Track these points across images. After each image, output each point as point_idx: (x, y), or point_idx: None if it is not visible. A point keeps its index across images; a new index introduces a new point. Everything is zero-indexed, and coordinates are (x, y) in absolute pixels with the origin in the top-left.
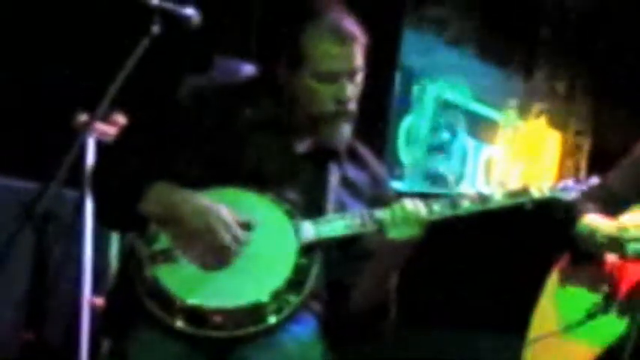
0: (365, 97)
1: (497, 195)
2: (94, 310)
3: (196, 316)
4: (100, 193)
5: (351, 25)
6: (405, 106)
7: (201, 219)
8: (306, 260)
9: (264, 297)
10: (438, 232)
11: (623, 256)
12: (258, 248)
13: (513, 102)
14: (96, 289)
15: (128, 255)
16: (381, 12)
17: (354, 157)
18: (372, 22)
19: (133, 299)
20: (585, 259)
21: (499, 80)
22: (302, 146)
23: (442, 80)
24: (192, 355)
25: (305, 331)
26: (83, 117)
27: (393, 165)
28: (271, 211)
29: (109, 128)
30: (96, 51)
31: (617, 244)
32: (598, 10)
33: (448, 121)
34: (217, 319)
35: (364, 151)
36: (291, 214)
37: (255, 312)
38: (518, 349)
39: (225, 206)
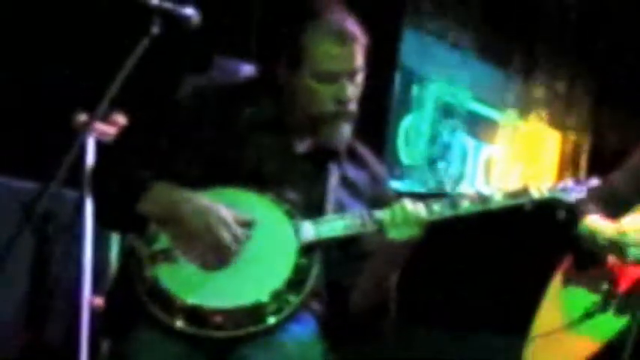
0: (365, 98)
1: (497, 195)
2: (94, 310)
3: (196, 316)
4: (100, 194)
5: (351, 26)
6: (405, 106)
7: (201, 219)
8: (306, 260)
9: (264, 297)
10: (438, 232)
11: (623, 260)
12: (258, 248)
13: (513, 102)
14: (96, 289)
15: (128, 255)
16: (381, 12)
17: (353, 156)
18: (372, 22)
19: (133, 299)
20: (588, 259)
21: (499, 80)
22: (302, 146)
23: (442, 80)
24: (192, 355)
25: (305, 331)
26: (83, 117)
27: (393, 165)
28: (271, 211)
29: (108, 128)
30: (96, 51)
31: (617, 247)
32: (598, 10)
33: (448, 121)
34: (217, 319)
35: (364, 151)
36: (291, 214)
37: (255, 312)
38: (518, 350)
39: (225, 206)
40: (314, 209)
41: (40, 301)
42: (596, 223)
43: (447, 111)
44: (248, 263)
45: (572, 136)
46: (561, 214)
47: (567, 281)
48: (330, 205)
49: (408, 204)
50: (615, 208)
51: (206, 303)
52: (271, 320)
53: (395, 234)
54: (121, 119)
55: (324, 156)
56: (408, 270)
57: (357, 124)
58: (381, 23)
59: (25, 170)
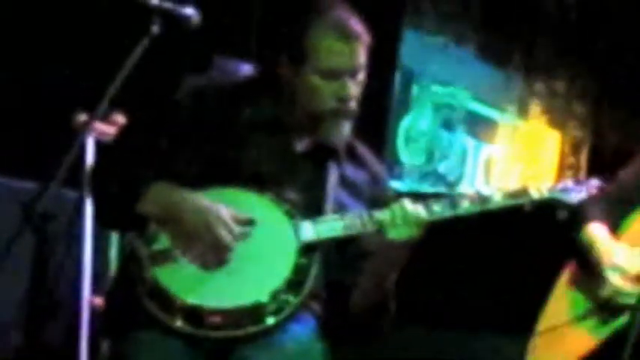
0: (365, 97)
1: (497, 195)
2: (93, 310)
3: (196, 316)
4: (100, 193)
5: (355, 24)
6: (405, 106)
7: (201, 219)
8: (306, 260)
9: (263, 297)
10: (438, 232)
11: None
12: (257, 248)
13: (513, 102)
14: (96, 289)
15: (128, 255)
16: (381, 12)
17: (353, 156)
18: (372, 22)
19: (133, 299)
20: (588, 261)
21: (499, 80)
22: (301, 145)
23: (442, 80)
24: (192, 355)
25: (305, 331)
26: (83, 117)
27: (393, 165)
28: (271, 211)
29: (108, 128)
30: (96, 51)
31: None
32: (598, 10)
33: (447, 121)
34: (217, 319)
35: (363, 150)
36: (290, 214)
37: (254, 312)
38: (518, 350)
39: (225, 206)
40: (313, 209)
41: (40, 301)
42: (594, 233)
43: (446, 111)
44: (248, 263)
45: (572, 136)
46: (561, 215)
47: (572, 280)
48: (329, 204)
49: (408, 204)
50: (624, 206)
51: (206, 303)
52: (271, 320)
53: (395, 234)
54: (120, 119)
55: (323, 155)
56: (408, 270)
57: (357, 123)
58: (381, 23)
59: (25, 170)
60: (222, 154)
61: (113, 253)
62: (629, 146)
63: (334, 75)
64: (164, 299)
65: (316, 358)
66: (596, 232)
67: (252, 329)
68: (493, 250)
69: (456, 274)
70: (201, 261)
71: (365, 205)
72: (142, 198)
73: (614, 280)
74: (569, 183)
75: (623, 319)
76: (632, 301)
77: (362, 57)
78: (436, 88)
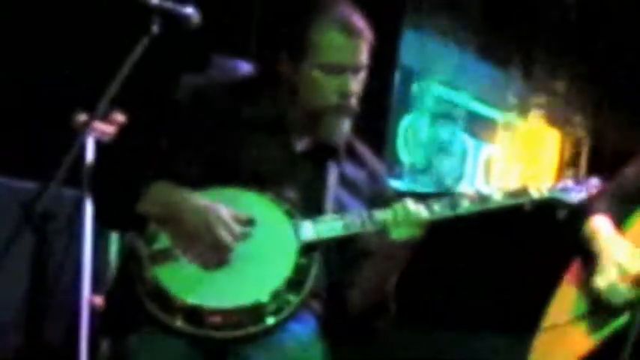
0: (365, 97)
1: (497, 195)
2: (93, 309)
3: (196, 316)
4: (99, 193)
5: (359, 21)
6: (405, 106)
7: (201, 218)
8: (306, 260)
9: (264, 297)
10: (438, 232)
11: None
12: (257, 248)
13: (513, 101)
14: (95, 289)
15: (128, 255)
16: (381, 11)
17: (352, 154)
18: (372, 21)
19: (133, 299)
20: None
21: (499, 80)
22: (301, 145)
23: (442, 80)
24: (192, 354)
25: (305, 331)
26: (82, 117)
27: (393, 164)
28: (271, 211)
29: (108, 127)
30: (95, 51)
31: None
32: (598, 10)
33: (447, 121)
34: (217, 319)
35: (362, 149)
36: (290, 214)
37: (254, 312)
38: (518, 350)
39: (225, 205)
40: (313, 208)
41: (39, 300)
42: (596, 228)
43: (446, 110)
44: (248, 263)
45: (571, 136)
46: (561, 214)
47: (576, 278)
48: (329, 203)
49: (411, 204)
50: (628, 203)
51: (206, 303)
52: (271, 320)
53: (397, 234)
54: (120, 118)
55: (323, 154)
56: (408, 270)
57: (356, 123)
58: (381, 22)
59: (24, 170)
60: (222, 154)
61: (113, 252)
62: (629, 146)
63: (337, 70)
64: (164, 299)
65: (316, 358)
66: (600, 224)
67: (252, 329)
68: (493, 249)
69: (455, 273)
70: (202, 261)
71: (364, 203)
72: (141, 198)
73: (612, 274)
74: (569, 182)
75: (622, 319)
76: (621, 302)
77: (364, 54)
78: (436, 88)
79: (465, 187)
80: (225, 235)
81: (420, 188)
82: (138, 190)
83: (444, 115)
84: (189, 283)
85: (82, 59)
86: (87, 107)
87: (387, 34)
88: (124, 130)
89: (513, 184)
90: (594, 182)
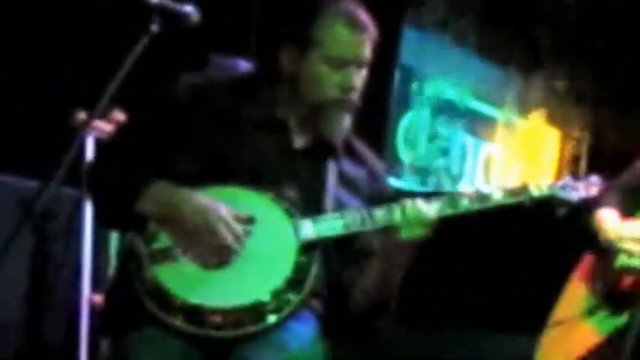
0: (365, 95)
1: (497, 193)
2: (93, 308)
3: (196, 315)
4: (98, 192)
5: (363, 16)
6: (405, 104)
7: (201, 217)
8: (306, 259)
9: (264, 296)
10: (438, 231)
11: (611, 265)
12: (257, 247)
13: (513, 100)
14: (95, 288)
15: (127, 254)
16: (382, 9)
17: (351, 153)
18: (372, 20)
19: (133, 298)
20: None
21: (499, 78)
22: (300, 142)
23: (441, 78)
24: (192, 353)
25: (305, 330)
26: (82, 115)
27: (393, 163)
28: (271, 210)
29: (107, 126)
30: (95, 50)
31: (612, 250)
32: (598, 10)
33: (447, 119)
34: (217, 318)
35: (362, 148)
36: (290, 213)
37: (255, 311)
38: (518, 348)
39: (225, 204)
40: (313, 206)
41: (39, 300)
42: (603, 219)
43: (446, 109)
44: (248, 262)
45: (571, 135)
46: (561, 212)
47: (585, 274)
48: (329, 202)
49: (422, 204)
50: (637, 195)
51: (206, 302)
52: (271, 319)
53: (406, 233)
54: (120, 116)
55: (322, 151)
56: (409, 269)
57: (356, 121)
58: (382, 21)
59: (24, 169)
60: (222, 153)
61: (113, 251)
62: (629, 146)
63: (341, 64)
64: (164, 298)
65: (317, 357)
66: (606, 216)
67: (252, 328)
68: (494, 248)
69: (456, 272)
70: (202, 260)
71: (363, 201)
72: (141, 197)
73: (627, 245)
74: (569, 180)
75: (624, 318)
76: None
77: (368, 50)
78: (436, 87)
79: (465, 186)
80: (225, 234)
81: (420, 187)
82: (137, 189)
83: (443, 113)
84: (189, 283)
85: (82, 58)
86: (87, 107)
87: (388, 31)
88: (123, 129)
89: (513, 183)
90: (594, 180)
